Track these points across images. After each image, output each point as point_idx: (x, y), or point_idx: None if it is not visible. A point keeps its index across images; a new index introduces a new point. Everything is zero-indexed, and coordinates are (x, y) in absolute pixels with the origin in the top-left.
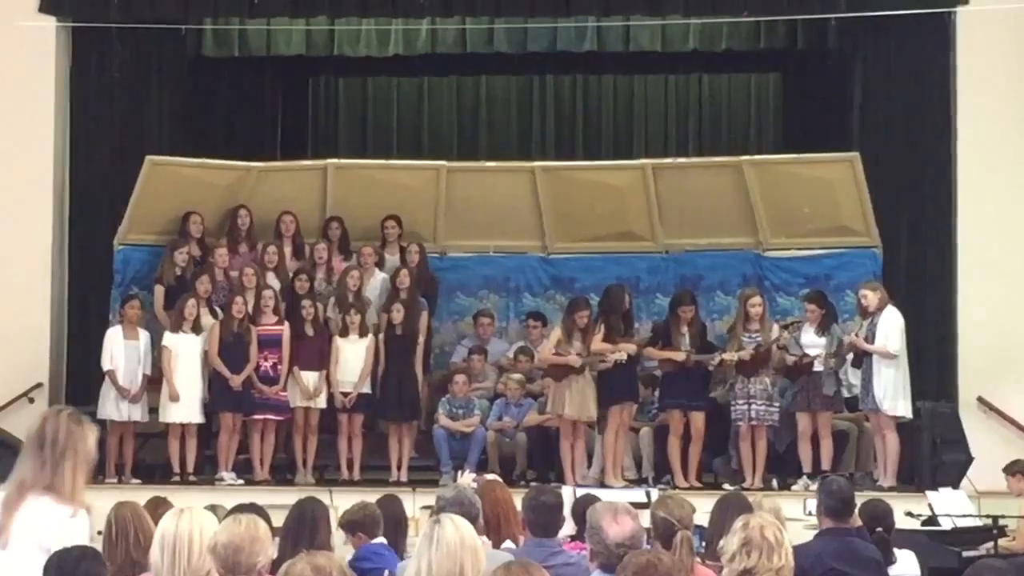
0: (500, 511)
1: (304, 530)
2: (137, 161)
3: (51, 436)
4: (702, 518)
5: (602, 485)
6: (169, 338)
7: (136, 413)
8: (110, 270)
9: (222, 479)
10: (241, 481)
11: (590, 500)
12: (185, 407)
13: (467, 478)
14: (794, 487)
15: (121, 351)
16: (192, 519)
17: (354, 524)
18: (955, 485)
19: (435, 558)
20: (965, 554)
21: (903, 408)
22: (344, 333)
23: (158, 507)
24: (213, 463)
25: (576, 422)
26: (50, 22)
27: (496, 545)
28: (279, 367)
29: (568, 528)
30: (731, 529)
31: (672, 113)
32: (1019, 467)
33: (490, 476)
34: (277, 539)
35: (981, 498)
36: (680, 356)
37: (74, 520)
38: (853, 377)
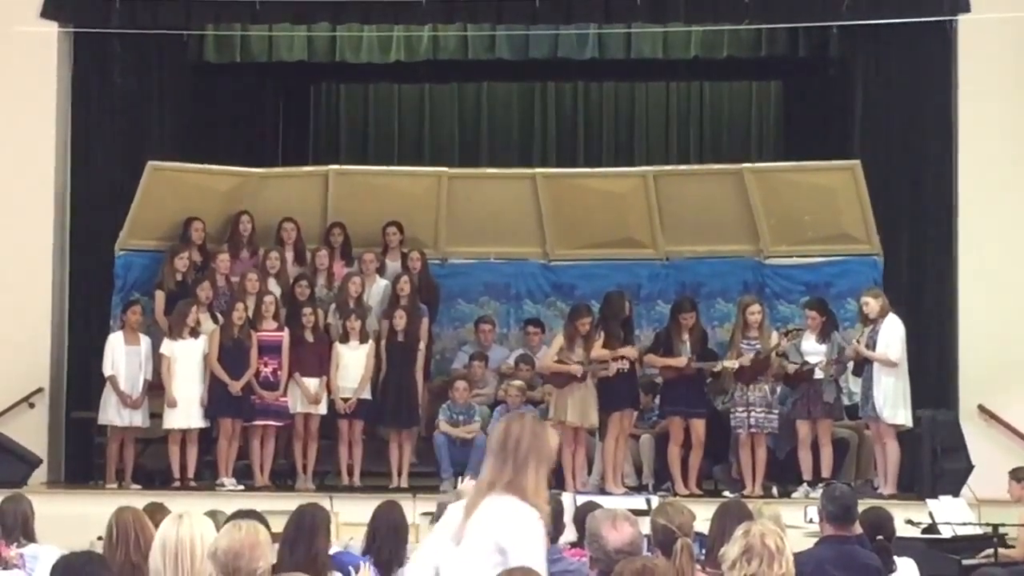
0: None
1: (302, 537)
2: (138, 167)
3: (515, 438)
4: (702, 525)
5: (602, 492)
6: (167, 345)
7: (137, 419)
8: (111, 275)
9: (222, 485)
10: (241, 487)
11: (591, 507)
12: (185, 412)
13: (468, 484)
14: (794, 494)
15: (122, 357)
16: (192, 524)
17: None
18: (955, 493)
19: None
20: (965, 562)
21: (903, 416)
22: (344, 339)
23: (156, 513)
24: (213, 469)
25: (577, 429)
26: (52, 28)
27: None
28: (279, 373)
29: (569, 535)
30: (732, 536)
31: (673, 120)
32: (1023, 475)
33: None
34: (277, 545)
35: (981, 506)
36: (680, 363)
37: (537, 522)
38: (854, 385)
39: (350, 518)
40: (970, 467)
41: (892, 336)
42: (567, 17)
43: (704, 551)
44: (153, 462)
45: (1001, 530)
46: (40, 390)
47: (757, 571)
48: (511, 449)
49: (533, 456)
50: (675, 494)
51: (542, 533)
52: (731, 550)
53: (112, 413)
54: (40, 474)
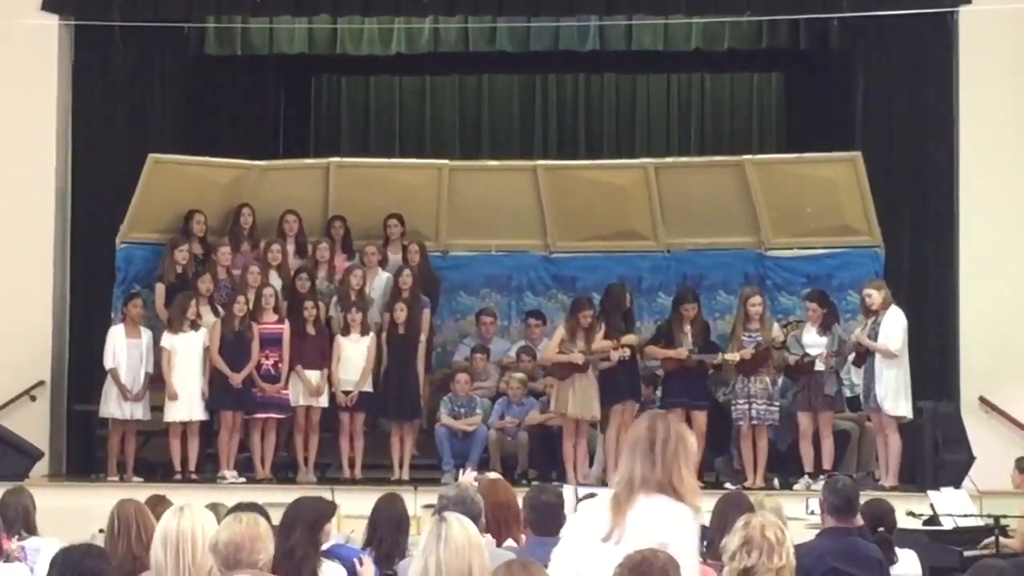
0: (501, 515)
1: (282, 531)
2: (140, 159)
3: (663, 438)
4: (703, 517)
5: (604, 484)
6: (167, 338)
7: (138, 411)
8: (112, 268)
9: (223, 477)
10: (243, 480)
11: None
12: (186, 405)
13: (469, 477)
14: (795, 486)
15: (123, 350)
16: (193, 517)
17: None
18: (957, 485)
19: (444, 557)
20: (966, 554)
21: (904, 408)
22: (346, 332)
23: (157, 505)
24: (215, 461)
25: (579, 421)
26: (53, 20)
27: (499, 543)
28: (280, 365)
29: None
30: (732, 528)
31: (674, 112)
32: None
33: (492, 475)
34: None
35: (983, 498)
36: (682, 354)
37: (693, 521)
38: (855, 377)
39: (351, 511)
40: (971, 459)
41: (894, 328)
42: (568, 9)
43: (706, 543)
44: (154, 455)
45: (1002, 522)
46: (41, 383)
47: (757, 563)
48: (659, 449)
49: (681, 454)
50: None
51: (696, 527)
52: (731, 541)
53: (113, 406)
54: (41, 467)
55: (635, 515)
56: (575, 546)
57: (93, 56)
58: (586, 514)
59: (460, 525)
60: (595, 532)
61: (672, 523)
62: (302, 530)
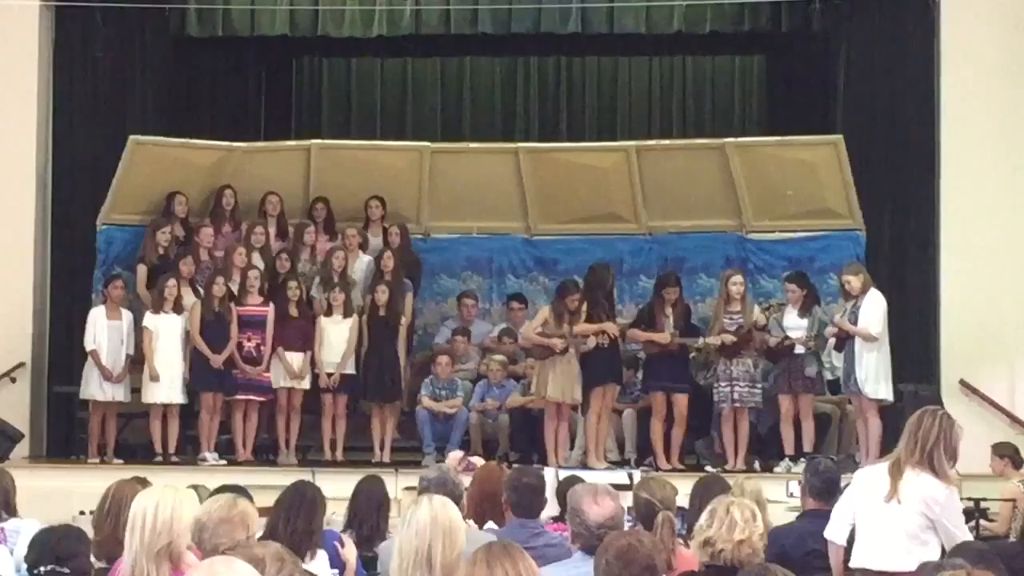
0: (488, 501)
1: (302, 511)
2: (120, 141)
3: (925, 429)
4: (684, 500)
5: (585, 467)
6: (150, 319)
7: (119, 393)
8: (93, 250)
9: (204, 459)
10: (223, 462)
11: (573, 482)
12: (166, 387)
13: (455, 457)
14: (776, 469)
15: (104, 331)
16: (168, 498)
17: None
18: None
19: (404, 537)
20: None
21: (884, 391)
22: (328, 313)
23: (139, 487)
24: (195, 443)
25: (560, 404)
26: (34, 1)
27: (480, 525)
28: (262, 348)
29: (552, 509)
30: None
31: (656, 95)
32: (1006, 451)
33: (477, 459)
34: (262, 519)
35: (963, 481)
36: (664, 338)
37: (954, 493)
38: (836, 359)
39: (332, 493)
40: None
41: (873, 311)
42: None
43: (686, 526)
44: (135, 437)
45: (983, 504)
46: (22, 365)
47: (715, 534)
48: (920, 436)
49: (940, 444)
50: (657, 469)
51: (958, 500)
52: (701, 517)
53: (94, 388)
54: (22, 449)
55: (905, 483)
56: (850, 502)
57: (74, 37)
58: (862, 480)
59: (428, 506)
60: (874, 493)
61: (937, 495)
62: (320, 514)
